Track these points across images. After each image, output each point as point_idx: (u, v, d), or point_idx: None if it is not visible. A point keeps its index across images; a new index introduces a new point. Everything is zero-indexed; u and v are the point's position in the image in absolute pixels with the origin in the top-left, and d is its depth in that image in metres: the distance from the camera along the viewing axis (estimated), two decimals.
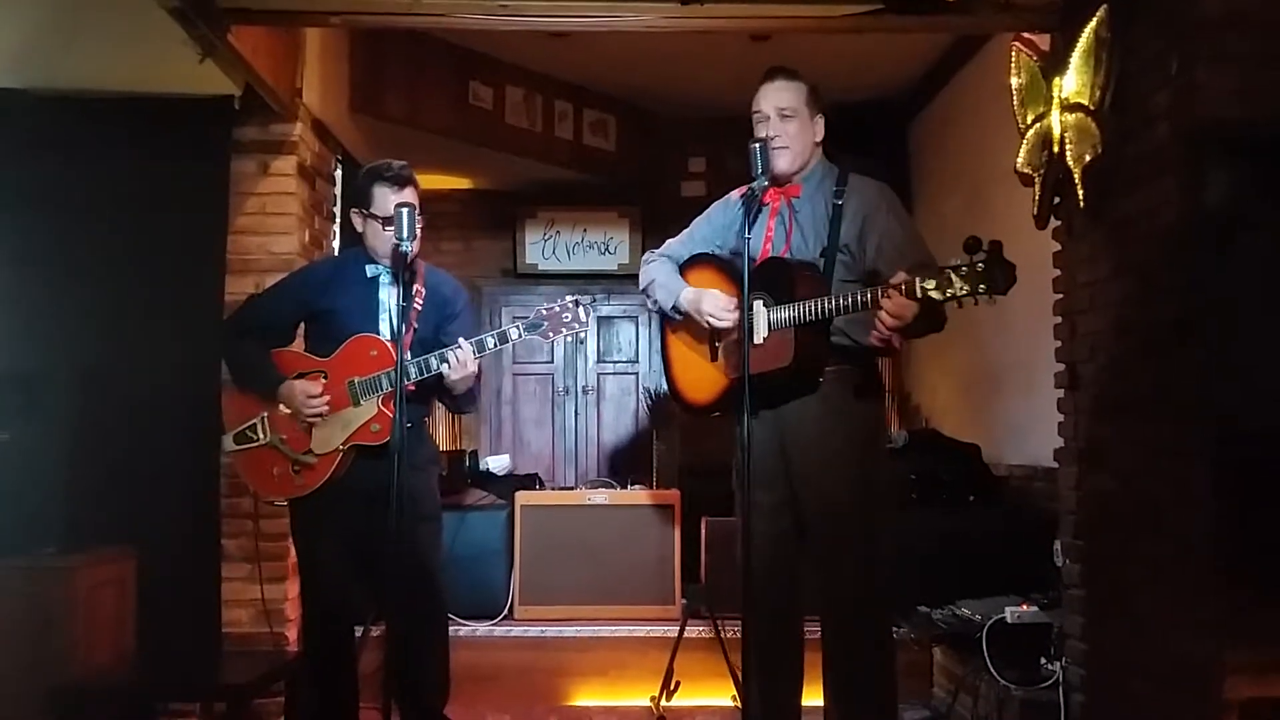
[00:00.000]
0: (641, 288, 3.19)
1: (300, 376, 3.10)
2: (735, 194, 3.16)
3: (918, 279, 2.53)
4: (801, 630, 2.98)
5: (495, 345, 3.04)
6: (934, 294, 2.50)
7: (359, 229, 3.20)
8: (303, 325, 3.27)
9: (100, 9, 3.58)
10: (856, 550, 2.85)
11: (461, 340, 3.01)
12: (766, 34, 4.83)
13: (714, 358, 3.01)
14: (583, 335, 3.12)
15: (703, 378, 3.04)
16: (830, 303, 2.71)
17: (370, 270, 3.18)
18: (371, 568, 3.10)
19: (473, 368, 3.02)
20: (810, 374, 2.83)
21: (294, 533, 3.25)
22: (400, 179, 3.13)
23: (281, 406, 3.10)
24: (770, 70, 3.01)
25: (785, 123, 2.93)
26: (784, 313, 2.78)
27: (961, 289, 2.45)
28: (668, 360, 3.18)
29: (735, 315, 2.87)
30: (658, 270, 3.15)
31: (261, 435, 3.12)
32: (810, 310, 2.72)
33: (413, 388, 3.01)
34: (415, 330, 3.10)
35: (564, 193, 6.99)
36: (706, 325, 2.96)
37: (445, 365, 2.99)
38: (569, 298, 3.09)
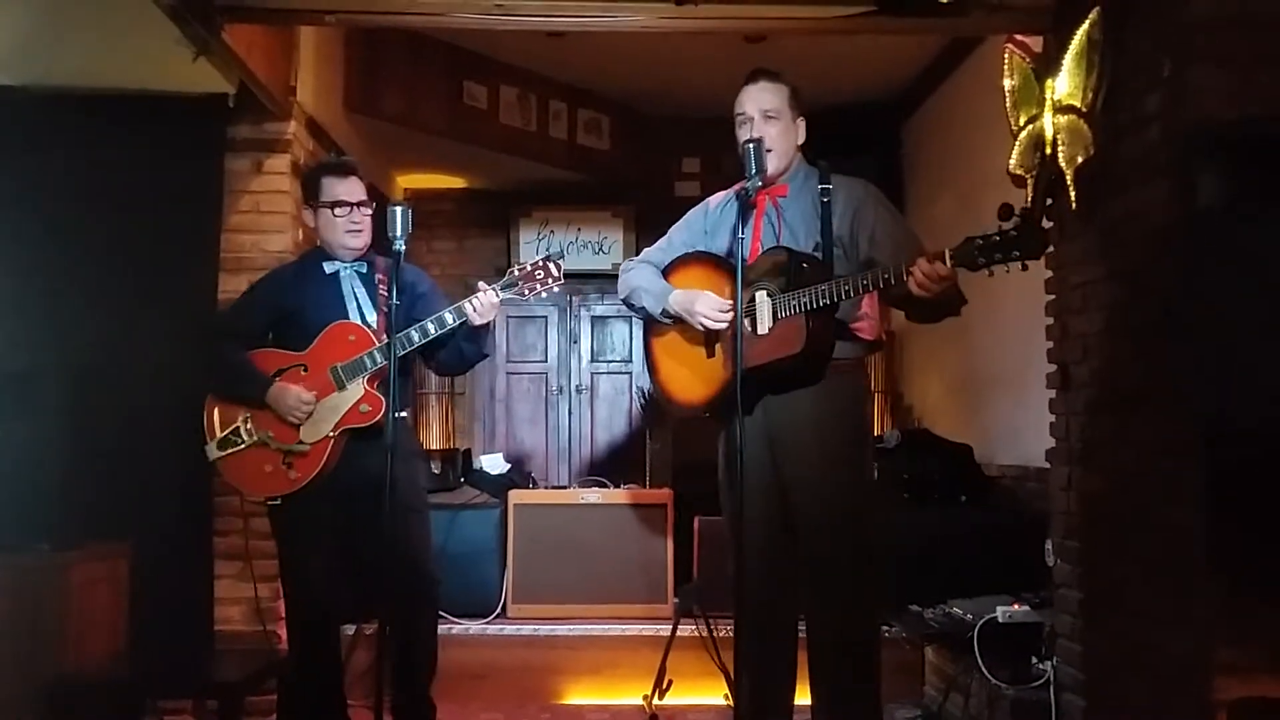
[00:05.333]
0: (622, 297, 3.15)
1: (280, 373, 3.10)
2: (713, 199, 3.15)
3: (947, 249, 2.52)
4: (794, 628, 2.99)
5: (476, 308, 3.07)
6: (967, 262, 2.48)
7: (311, 224, 3.26)
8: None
9: (94, 6, 3.57)
10: (844, 549, 2.86)
11: (477, 292, 3.06)
12: (760, 35, 4.83)
13: (711, 354, 2.99)
14: (556, 289, 3.11)
15: (697, 376, 3.02)
16: (846, 285, 2.68)
17: (329, 267, 3.22)
18: (356, 563, 3.10)
19: (492, 300, 3.05)
20: (819, 360, 2.80)
21: (276, 533, 3.24)
22: (343, 167, 3.23)
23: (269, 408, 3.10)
24: (753, 72, 3.02)
25: (769, 124, 2.93)
26: (793, 300, 2.75)
27: (995, 256, 2.45)
28: (654, 365, 3.14)
29: (730, 316, 2.85)
30: (638, 276, 3.11)
31: (246, 437, 3.12)
32: (824, 295, 2.70)
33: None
34: (386, 315, 3.09)
35: (558, 192, 6.97)
36: (700, 328, 2.94)
37: (470, 305, 3.04)
38: (540, 256, 3.09)
